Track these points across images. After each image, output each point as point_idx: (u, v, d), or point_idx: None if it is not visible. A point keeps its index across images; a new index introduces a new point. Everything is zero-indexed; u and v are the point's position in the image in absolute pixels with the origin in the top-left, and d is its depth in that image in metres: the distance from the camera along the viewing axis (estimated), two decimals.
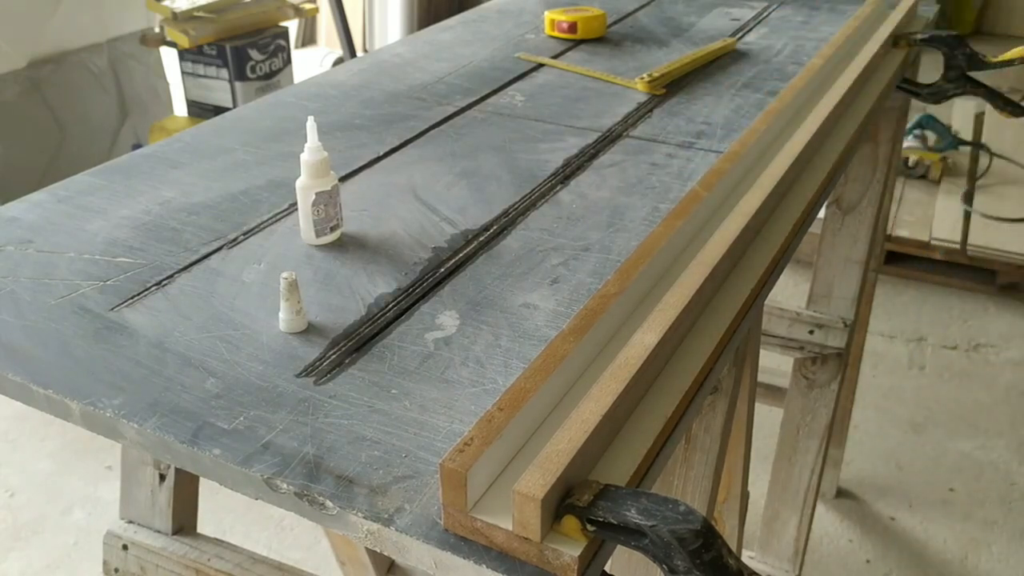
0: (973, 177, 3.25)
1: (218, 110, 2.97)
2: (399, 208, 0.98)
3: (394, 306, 0.81)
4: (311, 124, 0.87)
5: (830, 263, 1.59)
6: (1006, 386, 2.57)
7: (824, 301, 1.58)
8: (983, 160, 3.33)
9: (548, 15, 1.54)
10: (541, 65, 1.40)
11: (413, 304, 0.81)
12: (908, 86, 1.40)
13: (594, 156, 1.10)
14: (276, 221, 0.95)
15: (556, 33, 1.53)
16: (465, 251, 0.89)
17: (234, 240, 0.91)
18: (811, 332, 1.54)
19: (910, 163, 3.24)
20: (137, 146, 3.20)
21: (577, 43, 1.51)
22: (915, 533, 2.10)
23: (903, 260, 3.01)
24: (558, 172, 1.06)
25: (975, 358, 2.70)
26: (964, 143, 3.33)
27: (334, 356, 0.74)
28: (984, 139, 3.44)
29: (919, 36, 1.43)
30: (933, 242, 2.92)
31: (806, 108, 1.12)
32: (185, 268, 0.86)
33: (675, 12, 1.70)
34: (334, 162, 0.88)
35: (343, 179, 1.03)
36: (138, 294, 0.82)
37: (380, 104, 1.25)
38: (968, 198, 3.11)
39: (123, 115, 3.22)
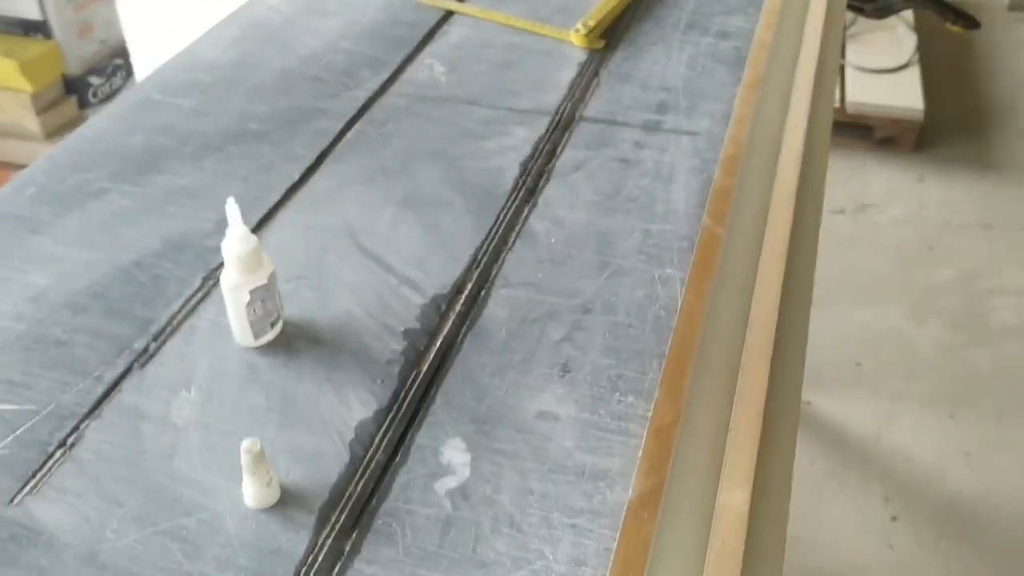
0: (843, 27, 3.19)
1: (26, 25, 2.53)
2: (342, 268, 0.79)
3: (382, 441, 0.64)
4: (232, 206, 0.66)
5: None
6: (894, 247, 2.61)
7: None
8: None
9: None
10: (450, 13, 1.18)
11: (405, 432, 0.65)
12: (855, 1, 1.27)
13: (552, 155, 0.93)
14: (192, 312, 0.75)
15: None
16: (444, 332, 0.73)
17: (144, 351, 0.71)
18: None
19: None
20: None
21: None
22: (832, 415, 2.14)
23: None
24: (518, 185, 0.88)
25: (862, 220, 2.72)
26: None
27: (329, 543, 0.58)
28: None
29: None
30: None
31: (783, 67, 0.98)
32: (92, 410, 0.66)
33: None
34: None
35: (256, 227, 0.83)
36: (41, 467, 0.62)
37: (273, 93, 1.02)
38: (840, 50, 3.06)
39: None
